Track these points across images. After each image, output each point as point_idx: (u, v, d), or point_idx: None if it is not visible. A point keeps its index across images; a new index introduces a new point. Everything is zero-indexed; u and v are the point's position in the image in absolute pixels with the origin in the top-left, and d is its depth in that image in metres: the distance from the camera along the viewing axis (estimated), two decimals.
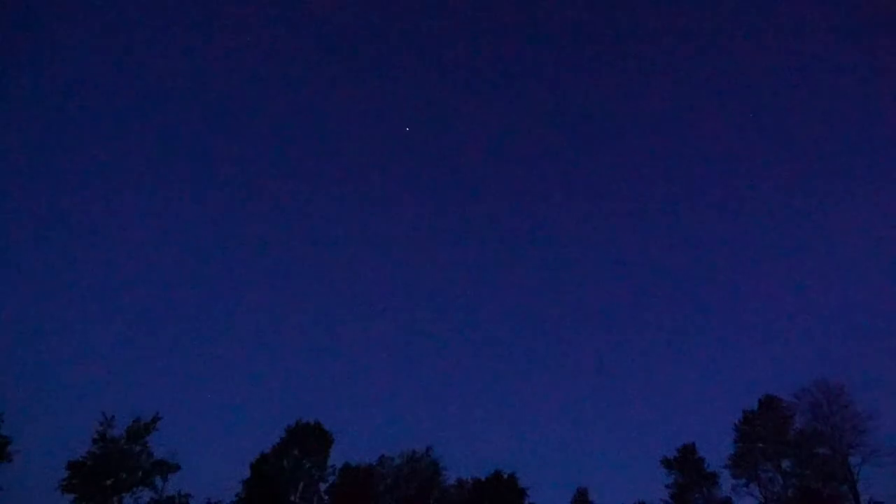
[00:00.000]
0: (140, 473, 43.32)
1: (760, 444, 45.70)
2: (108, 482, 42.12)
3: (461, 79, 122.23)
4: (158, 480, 43.73)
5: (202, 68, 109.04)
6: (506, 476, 48.10)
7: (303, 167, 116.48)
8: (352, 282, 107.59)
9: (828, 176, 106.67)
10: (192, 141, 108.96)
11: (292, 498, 44.94)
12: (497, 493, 47.07)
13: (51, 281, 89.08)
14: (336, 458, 47.60)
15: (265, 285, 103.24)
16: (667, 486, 47.56)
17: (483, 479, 48.06)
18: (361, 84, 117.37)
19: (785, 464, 45.08)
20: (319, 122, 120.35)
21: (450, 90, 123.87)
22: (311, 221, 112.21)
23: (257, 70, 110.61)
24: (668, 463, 47.99)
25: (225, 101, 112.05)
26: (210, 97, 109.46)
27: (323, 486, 46.66)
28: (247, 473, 45.43)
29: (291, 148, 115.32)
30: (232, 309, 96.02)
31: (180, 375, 76.22)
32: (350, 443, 49.76)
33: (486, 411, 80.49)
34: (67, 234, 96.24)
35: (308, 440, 47.24)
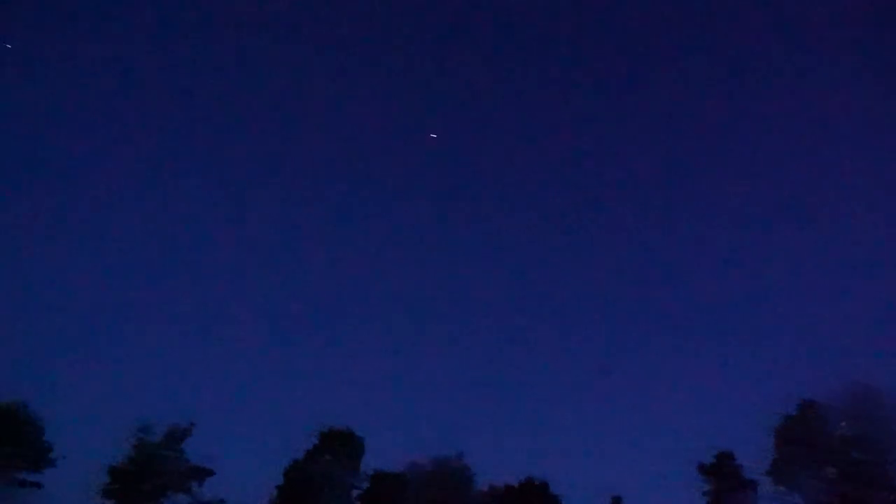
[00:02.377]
0: (177, 478, 44.32)
1: (801, 451, 44.26)
2: (147, 487, 43.20)
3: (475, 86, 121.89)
4: (195, 485, 44.71)
5: (217, 67, 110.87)
6: (538, 483, 47.65)
7: (334, 171, 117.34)
8: (382, 287, 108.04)
9: (865, 174, 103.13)
10: (220, 146, 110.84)
11: None
12: (529, 499, 46.66)
13: (88, 287, 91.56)
14: (367, 464, 47.87)
15: (298, 290, 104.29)
16: (704, 494, 46.45)
17: (515, 485, 47.72)
18: (385, 86, 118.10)
19: (828, 471, 43.65)
20: (342, 124, 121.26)
21: (473, 96, 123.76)
22: (341, 227, 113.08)
23: (278, 68, 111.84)
24: (704, 470, 46.82)
25: (239, 103, 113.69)
26: (222, 100, 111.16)
27: (355, 493, 46.92)
28: (280, 479, 45.98)
29: (319, 152, 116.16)
30: (264, 313, 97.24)
31: (213, 380, 77.47)
32: (380, 448, 49.80)
33: (518, 416, 79.65)
34: (101, 240, 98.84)
35: (339, 446, 47.63)
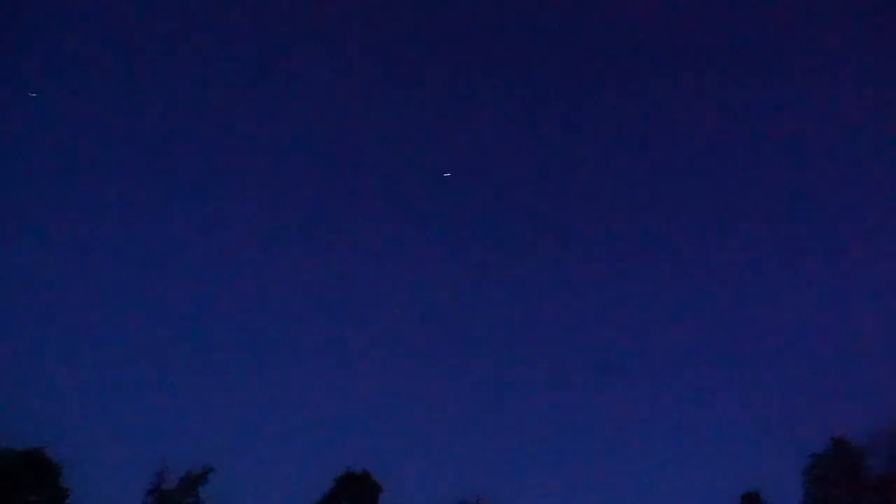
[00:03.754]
0: None
1: (833, 491, 42.96)
2: None
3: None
4: None
5: (236, 78, 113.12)
6: None
7: (354, 212, 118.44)
8: (401, 330, 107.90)
9: None
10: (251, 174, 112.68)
11: None
12: None
13: (105, 332, 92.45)
14: None
15: (317, 332, 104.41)
16: None
17: None
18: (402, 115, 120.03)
19: None
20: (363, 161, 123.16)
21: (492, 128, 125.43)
22: (362, 267, 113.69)
23: (300, 103, 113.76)
24: None
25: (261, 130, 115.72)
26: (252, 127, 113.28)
27: None
28: None
29: (350, 186, 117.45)
30: (281, 357, 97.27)
31: (229, 424, 77.25)
32: (399, 492, 48.96)
33: (543, 457, 78.13)
34: (119, 277, 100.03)
35: (357, 490, 46.98)
